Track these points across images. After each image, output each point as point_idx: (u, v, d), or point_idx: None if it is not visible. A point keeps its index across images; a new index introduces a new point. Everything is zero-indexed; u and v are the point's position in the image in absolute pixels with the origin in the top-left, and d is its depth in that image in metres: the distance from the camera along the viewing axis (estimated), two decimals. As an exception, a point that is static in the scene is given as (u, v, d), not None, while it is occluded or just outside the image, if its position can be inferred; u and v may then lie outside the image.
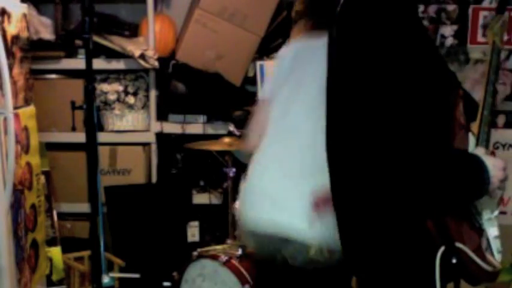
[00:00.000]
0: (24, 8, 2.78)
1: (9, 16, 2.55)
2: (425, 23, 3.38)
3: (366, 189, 1.62)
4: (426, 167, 1.50)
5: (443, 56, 3.34)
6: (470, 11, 3.36)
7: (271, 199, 1.94)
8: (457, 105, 1.68)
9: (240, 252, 2.69)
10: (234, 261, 2.66)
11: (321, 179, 1.85)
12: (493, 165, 1.58)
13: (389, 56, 1.51)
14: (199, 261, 2.74)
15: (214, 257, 2.69)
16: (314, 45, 2.08)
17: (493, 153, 3.38)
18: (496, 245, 1.67)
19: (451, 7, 3.38)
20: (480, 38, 3.36)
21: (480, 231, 1.65)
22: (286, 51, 2.23)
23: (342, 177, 1.71)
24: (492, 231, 1.67)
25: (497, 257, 1.66)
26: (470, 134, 1.71)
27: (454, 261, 1.54)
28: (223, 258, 2.67)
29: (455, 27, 3.38)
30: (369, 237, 1.66)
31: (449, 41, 3.39)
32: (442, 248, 1.55)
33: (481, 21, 3.36)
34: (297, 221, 1.88)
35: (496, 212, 1.69)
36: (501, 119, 3.44)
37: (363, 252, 1.69)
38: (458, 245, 1.56)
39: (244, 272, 2.61)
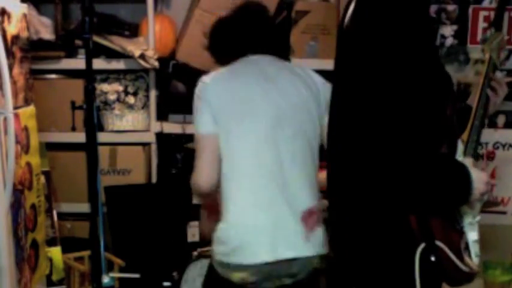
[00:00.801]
0: (24, 8, 2.78)
1: (9, 16, 2.55)
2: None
3: (355, 185, 1.65)
4: (413, 167, 1.52)
5: (441, 58, 3.35)
6: (470, 11, 3.36)
7: (269, 232, 2.11)
8: (447, 109, 1.71)
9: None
10: (234, 261, 2.65)
11: (303, 199, 2.16)
12: (477, 177, 1.61)
13: (392, 59, 1.53)
14: (199, 261, 2.74)
15: (214, 257, 2.69)
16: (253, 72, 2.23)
17: (493, 153, 3.38)
18: (474, 248, 1.69)
19: (451, 7, 3.38)
20: (480, 38, 3.36)
21: (461, 234, 1.67)
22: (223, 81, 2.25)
23: (338, 172, 1.74)
24: (472, 235, 1.70)
25: (475, 260, 1.69)
26: (459, 141, 1.73)
27: (432, 258, 1.57)
28: (223, 258, 2.66)
29: (455, 27, 3.38)
30: (355, 234, 1.69)
31: (449, 41, 3.39)
32: (422, 245, 1.57)
33: (481, 21, 3.36)
34: (295, 241, 2.12)
35: (478, 218, 1.72)
36: (501, 119, 3.44)
37: (350, 250, 1.72)
38: (439, 243, 1.58)
39: (244, 272, 2.61)
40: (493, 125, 3.42)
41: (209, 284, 2.25)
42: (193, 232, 3.41)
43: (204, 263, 2.72)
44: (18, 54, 2.66)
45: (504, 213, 3.33)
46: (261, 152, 2.14)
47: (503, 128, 3.43)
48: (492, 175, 3.37)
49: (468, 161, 1.68)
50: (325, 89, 2.22)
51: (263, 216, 2.12)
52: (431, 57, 1.65)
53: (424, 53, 1.59)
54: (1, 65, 2.38)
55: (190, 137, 3.32)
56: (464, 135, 1.76)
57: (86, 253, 3.19)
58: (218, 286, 2.18)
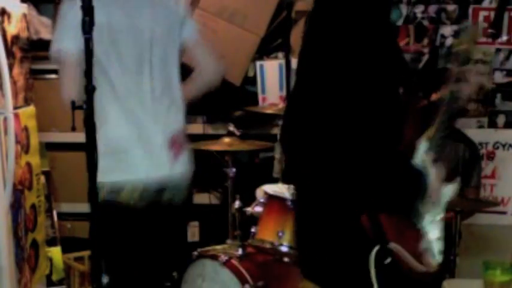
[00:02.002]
0: (24, 8, 2.79)
1: (9, 16, 2.55)
2: (425, 23, 3.38)
3: (312, 177, 1.67)
4: (368, 164, 1.55)
5: (441, 58, 3.36)
6: (470, 11, 3.36)
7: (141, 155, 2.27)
8: (414, 105, 1.72)
9: (240, 252, 2.69)
10: (234, 261, 2.65)
11: (171, 125, 2.33)
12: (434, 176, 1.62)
13: (351, 51, 1.55)
14: (199, 261, 2.74)
15: (214, 257, 2.69)
16: None
17: (493, 153, 3.38)
18: (437, 246, 1.69)
19: (451, 7, 3.38)
20: (480, 38, 3.36)
21: (421, 233, 1.67)
22: None
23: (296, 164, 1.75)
24: (434, 234, 1.69)
25: (439, 257, 1.68)
26: (422, 140, 1.71)
27: (387, 261, 1.57)
28: (223, 258, 2.66)
29: (455, 27, 3.38)
30: (316, 233, 1.71)
31: (449, 41, 3.39)
32: (377, 248, 1.57)
33: (481, 21, 3.36)
34: (165, 165, 2.31)
35: (440, 216, 1.71)
36: (501, 119, 3.44)
37: (313, 248, 1.73)
38: (392, 245, 1.58)
39: (244, 272, 2.61)
40: (493, 125, 3.42)
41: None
42: (193, 232, 3.41)
43: (204, 263, 2.72)
44: (18, 54, 2.66)
45: (504, 213, 3.33)
46: (133, 76, 2.24)
47: (503, 128, 3.43)
48: (492, 175, 3.37)
49: (428, 157, 1.68)
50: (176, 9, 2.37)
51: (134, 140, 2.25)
52: (382, 42, 1.67)
53: (374, 39, 1.62)
54: (1, 65, 2.39)
55: (190, 137, 3.32)
56: (430, 131, 1.74)
57: (86, 253, 3.19)
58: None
